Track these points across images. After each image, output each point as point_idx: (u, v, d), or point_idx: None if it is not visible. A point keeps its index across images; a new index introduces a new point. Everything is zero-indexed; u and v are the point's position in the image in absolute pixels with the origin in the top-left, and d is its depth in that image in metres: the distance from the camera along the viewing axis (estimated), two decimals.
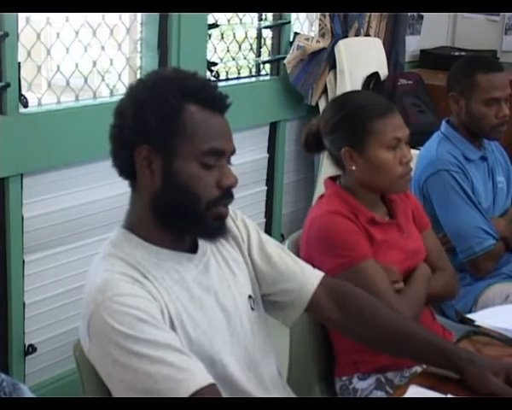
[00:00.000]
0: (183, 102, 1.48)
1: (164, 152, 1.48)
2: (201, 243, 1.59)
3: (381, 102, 2.08)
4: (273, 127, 3.91)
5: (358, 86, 3.88)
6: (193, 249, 1.58)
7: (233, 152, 1.54)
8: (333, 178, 2.14)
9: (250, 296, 1.66)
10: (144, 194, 1.51)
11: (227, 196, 1.52)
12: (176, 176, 1.48)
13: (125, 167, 1.52)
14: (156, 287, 1.47)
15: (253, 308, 1.66)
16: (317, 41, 3.88)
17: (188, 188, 1.48)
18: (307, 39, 3.87)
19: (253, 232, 1.72)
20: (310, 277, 1.75)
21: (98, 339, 1.42)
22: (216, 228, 1.53)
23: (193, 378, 1.39)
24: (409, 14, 4.51)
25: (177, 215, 1.50)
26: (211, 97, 1.50)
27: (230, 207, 1.59)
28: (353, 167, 2.03)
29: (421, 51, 4.79)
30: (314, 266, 2.03)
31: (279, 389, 1.67)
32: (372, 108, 2.02)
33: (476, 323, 1.97)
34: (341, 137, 2.04)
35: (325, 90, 3.91)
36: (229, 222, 1.64)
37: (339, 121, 2.05)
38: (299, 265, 1.76)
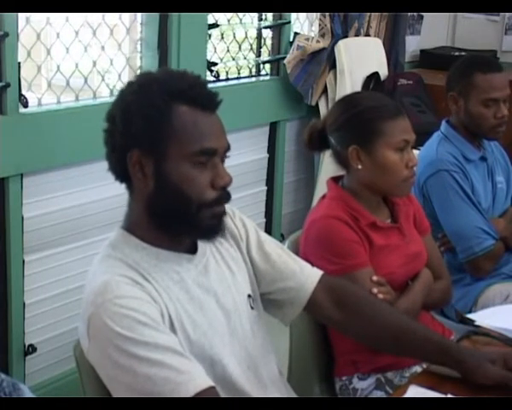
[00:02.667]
0: (171, 102, 1.46)
1: (154, 155, 1.47)
2: (201, 244, 1.59)
3: (392, 104, 2.09)
4: (273, 127, 3.91)
5: (358, 86, 3.88)
6: (192, 250, 1.57)
7: (227, 149, 1.53)
8: (335, 179, 2.14)
9: (249, 295, 1.66)
10: (139, 197, 1.51)
11: (223, 196, 1.51)
12: (168, 178, 1.47)
13: (120, 171, 1.52)
14: (156, 289, 1.47)
15: (252, 307, 1.66)
16: (317, 41, 3.88)
17: (180, 190, 1.47)
18: (307, 39, 3.87)
19: (252, 231, 1.72)
20: (309, 275, 1.75)
21: (98, 341, 1.42)
22: (212, 227, 1.53)
23: (192, 381, 1.39)
24: (409, 14, 4.51)
25: (172, 217, 1.50)
26: (199, 96, 1.49)
27: (228, 206, 1.58)
28: (359, 166, 2.03)
29: (421, 51, 4.79)
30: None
31: (280, 388, 1.68)
32: (383, 109, 2.03)
33: (476, 323, 1.97)
34: (349, 135, 2.04)
35: (325, 91, 3.91)
36: (228, 221, 1.64)
37: (348, 119, 2.05)
38: (298, 263, 1.76)
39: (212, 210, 1.50)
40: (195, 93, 1.49)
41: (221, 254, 1.64)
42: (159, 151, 1.47)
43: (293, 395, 1.73)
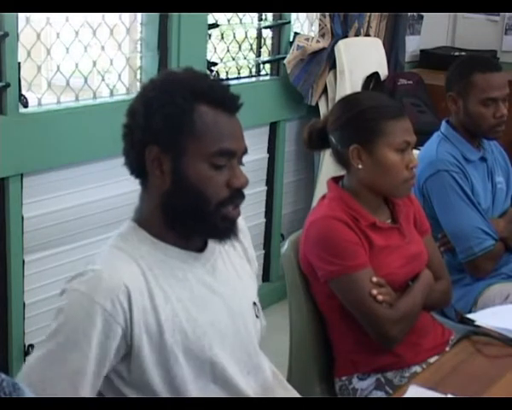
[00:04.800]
0: (193, 102, 1.47)
1: (173, 153, 1.47)
2: (210, 243, 1.59)
3: (394, 105, 2.09)
4: (273, 127, 3.91)
5: (358, 86, 3.88)
6: (201, 248, 1.57)
7: (245, 152, 1.53)
8: (335, 180, 2.14)
9: (255, 303, 1.66)
10: (154, 193, 1.51)
11: (237, 196, 1.51)
12: (185, 177, 1.47)
13: (136, 167, 1.52)
14: (150, 288, 1.46)
15: (257, 316, 1.65)
16: (317, 41, 3.88)
17: (197, 189, 1.47)
18: (307, 39, 3.87)
19: (255, 261, 1.74)
20: None
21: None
22: (225, 229, 1.53)
23: None
24: (409, 14, 4.51)
25: (187, 216, 1.49)
26: (221, 97, 1.49)
27: (243, 223, 1.62)
28: (360, 166, 2.03)
29: (421, 51, 4.79)
30: (311, 267, 2.04)
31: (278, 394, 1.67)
32: (385, 109, 2.03)
33: (476, 323, 1.97)
34: (351, 135, 2.04)
35: (325, 90, 3.91)
36: (240, 236, 1.66)
37: (351, 118, 2.05)
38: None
39: (226, 210, 1.50)
40: (218, 94, 1.49)
41: (230, 259, 1.64)
42: (178, 149, 1.47)
43: None
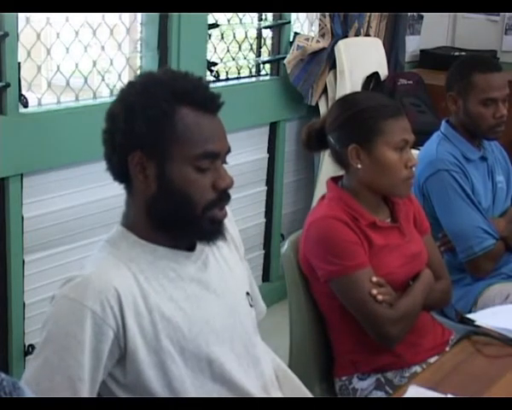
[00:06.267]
0: (174, 104, 1.45)
1: (157, 157, 1.46)
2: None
3: (392, 104, 2.09)
4: (273, 127, 3.91)
5: (358, 86, 3.88)
6: (191, 247, 1.57)
7: (228, 151, 1.53)
8: (335, 179, 2.14)
9: (248, 293, 1.66)
10: (139, 198, 1.50)
11: (223, 198, 1.51)
12: (170, 181, 1.46)
13: (119, 172, 1.51)
14: (142, 291, 1.46)
15: (251, 305, 1.66)
16: (317, 41, 3.88)
17: (183, 193, 1.47)
18: (307, 39, 3.87)
19: (240, 241, 1.74)
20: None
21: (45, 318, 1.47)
22: (212, 231, 1.52)
23: None
24: (409, 14, 4.51)
25: (173, 220, 1.49)
26: (202, 98, 1.48)
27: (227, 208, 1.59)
28: (359, 166, 2.03)
29: (421, 51, 4.79)
30: (311, 267, 2.04)
31: (277, 388, 1.67)
32: (383, 109, 2.03)
33: (476, 323, 1.97)
34: (349, 134, 2.04)
35: (325, 90, 3.91)
36: (226, 223, 1.65)
37: (349, 118, 2.05)
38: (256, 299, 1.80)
39: (213, 213, 1.50)
40: (199, 95, 1.48)
41: (220, 251, 1.63)
42: (161, 153, 1.46)
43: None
